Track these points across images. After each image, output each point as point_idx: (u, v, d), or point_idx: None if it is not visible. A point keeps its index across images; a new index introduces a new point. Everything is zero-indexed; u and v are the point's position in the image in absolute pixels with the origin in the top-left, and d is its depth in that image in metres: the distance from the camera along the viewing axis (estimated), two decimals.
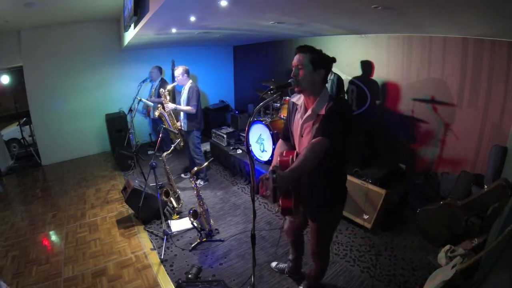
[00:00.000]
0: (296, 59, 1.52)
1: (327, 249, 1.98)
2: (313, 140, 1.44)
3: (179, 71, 3.76)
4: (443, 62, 3.03)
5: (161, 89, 4.00)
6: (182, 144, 3.62)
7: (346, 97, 3.97)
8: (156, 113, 4.25)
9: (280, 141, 1.89)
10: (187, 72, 3.80)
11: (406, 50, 3.33)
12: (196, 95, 3.72)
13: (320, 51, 1.52)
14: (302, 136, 1.63)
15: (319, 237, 1.84)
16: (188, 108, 3.73)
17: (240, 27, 3.52)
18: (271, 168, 1.48)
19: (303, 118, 1.59)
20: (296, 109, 1.70)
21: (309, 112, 1.56)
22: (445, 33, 2.89)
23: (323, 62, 1.52)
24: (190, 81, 3.82)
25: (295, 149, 1.72)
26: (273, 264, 2.49)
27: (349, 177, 2.77)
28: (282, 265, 2.44)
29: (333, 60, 1.56)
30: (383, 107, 3.70)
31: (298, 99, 1.68)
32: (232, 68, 7.07)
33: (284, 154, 1.61)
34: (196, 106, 3.73)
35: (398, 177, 3.45)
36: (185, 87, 3.80)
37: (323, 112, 1.50)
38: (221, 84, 6.92)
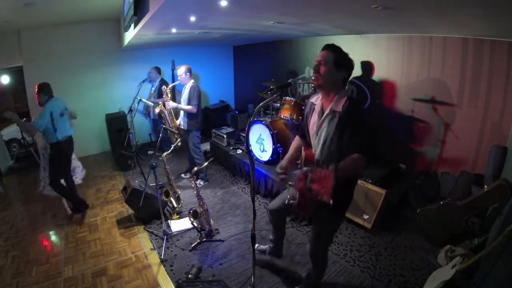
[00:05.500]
0: (321, 55, 1.57)
1: (325, 251, 1.98)
2: (353, 157, 1.44)
3: (181, 70, 3.76)
4: (443, 62, 3.02)
5: (163, 86, 4.00)
6: (180, 144, 3.62)
7: None
8: (157, 110, 4.25)
9: (297, 137, 1.98)
10: (189, 71, 3.81)
11: (406, 50, 3.33)
12: (197, 95, 3.72)
13: (346, 54, 1.57)
14: (317, 134, 1.66)
15: (320, 238, 1.85)
16: (189, 107, 3.73)
17: (240, 27, 3.51)
18: (331, 168, 1.34)
19: (322, 118, 1.63)
20: (314, 109, 1.73)
21: (327, 111, 1.60)
22: (445, 33, 2.89)
23: (346, 64, 1.57)
24: (192, 80, 3.83)
25: (311, 146, 1.75)
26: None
27: None
28: (263, 247, 2.52)
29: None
30: (383, 107, 3.70)
31: (317, 99, 1.72)
32: (232, 68, 7.07)
33: (305, 149, 1.69)
34: (196, 106, 3.73)
35: (398, 177, 3.44)
36: (187, 86, 3.81)
37: (339, 109, 1.54)
38: (221, 84, 6.92)
